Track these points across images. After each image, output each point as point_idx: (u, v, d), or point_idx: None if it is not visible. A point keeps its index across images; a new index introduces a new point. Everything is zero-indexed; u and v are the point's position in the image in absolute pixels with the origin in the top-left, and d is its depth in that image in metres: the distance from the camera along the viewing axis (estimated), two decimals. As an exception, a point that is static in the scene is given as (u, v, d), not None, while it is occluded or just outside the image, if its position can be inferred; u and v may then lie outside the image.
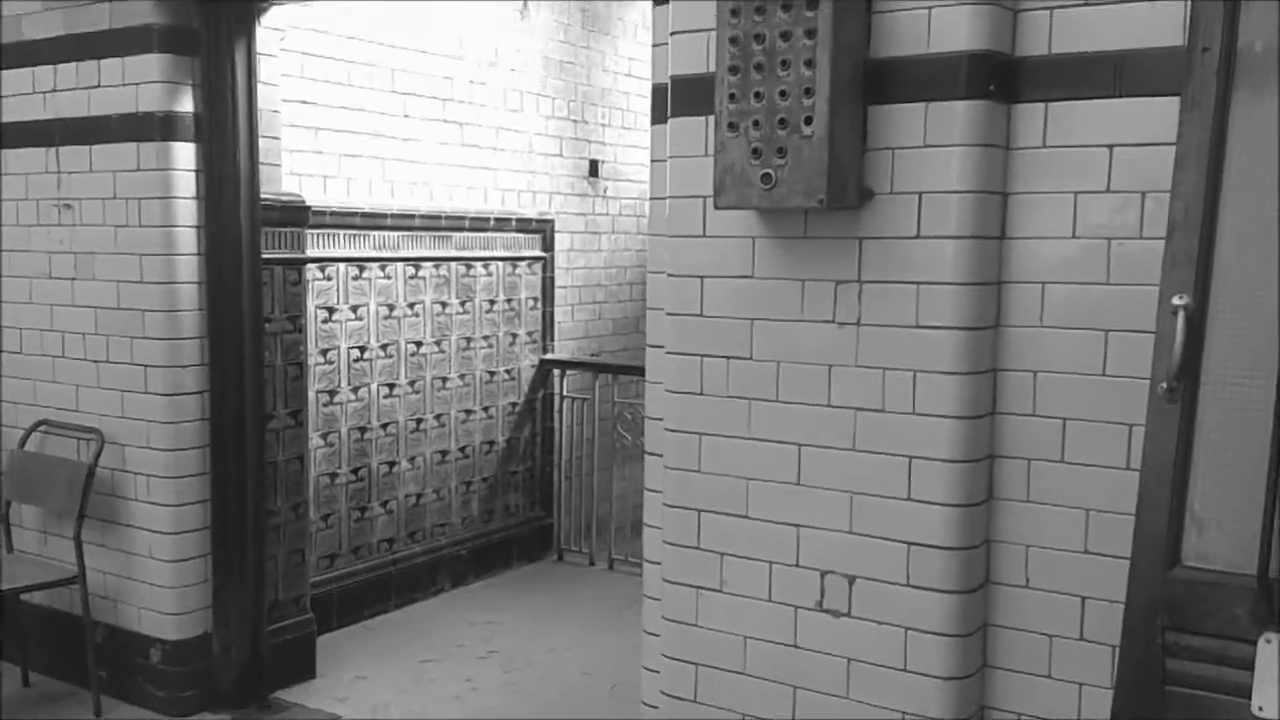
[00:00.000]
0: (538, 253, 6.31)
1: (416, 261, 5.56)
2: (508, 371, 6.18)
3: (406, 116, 5.56)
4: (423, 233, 5.58)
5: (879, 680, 2.77)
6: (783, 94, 2.58)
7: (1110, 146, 2.53)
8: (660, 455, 3.13)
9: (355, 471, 5.38)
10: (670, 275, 3.02)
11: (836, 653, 2.83)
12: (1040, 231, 2.64)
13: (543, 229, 6.34)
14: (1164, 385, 2.21)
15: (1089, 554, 2.63)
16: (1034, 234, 2.65)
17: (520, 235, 6.19)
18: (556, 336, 6.48)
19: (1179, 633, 2.19)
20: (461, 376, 5.90)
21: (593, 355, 6.79)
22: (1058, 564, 2.68)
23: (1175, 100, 2.28)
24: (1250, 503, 2.13)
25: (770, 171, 2.61)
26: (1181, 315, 2.18)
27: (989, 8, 2.54)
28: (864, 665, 2.79)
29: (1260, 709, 2.09)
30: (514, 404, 6.24)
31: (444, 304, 5.74)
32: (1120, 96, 2.51)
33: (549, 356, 6.40)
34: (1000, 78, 2.59)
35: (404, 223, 5.48)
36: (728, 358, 2.94)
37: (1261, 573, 2.10)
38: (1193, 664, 2.17)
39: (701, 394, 2.98)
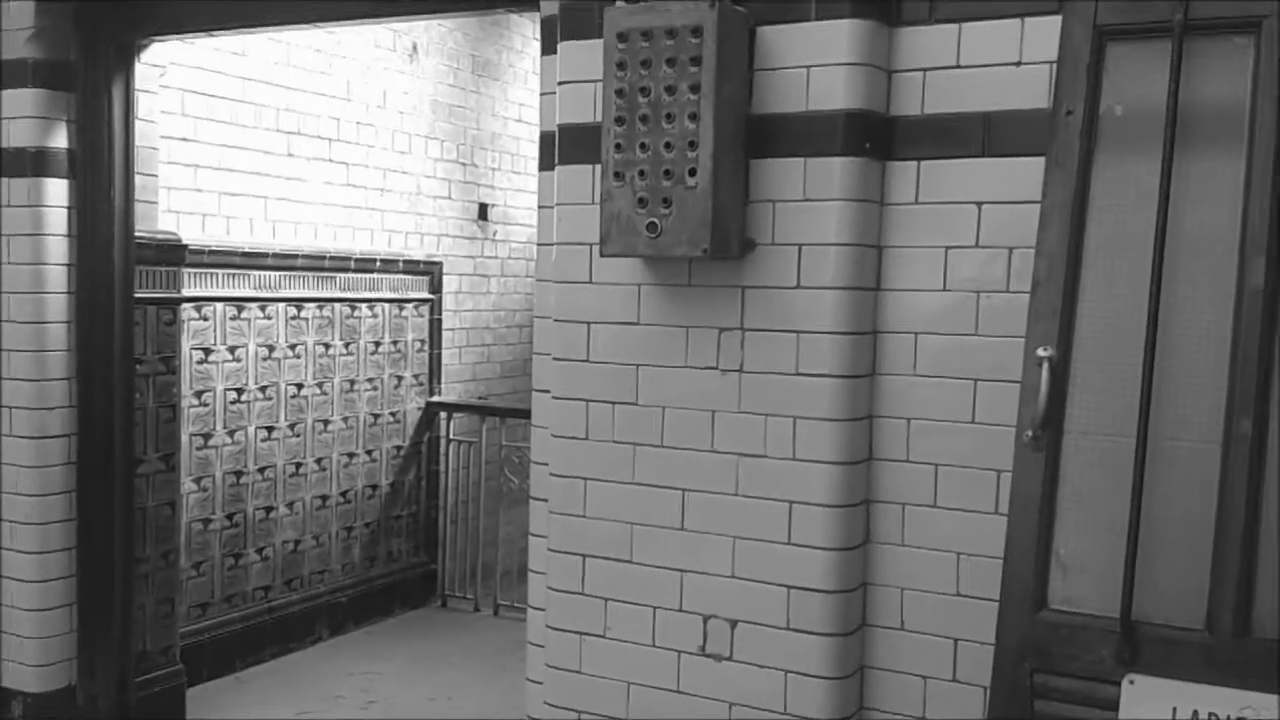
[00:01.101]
0: (425, 295, 6.26)
1: (298, 302, 5.47)
2: (392, 414, 6.10)
3: (290, 155, 5.49)
4: (305, 273, 5.49)
5: (760, 724, 2.79)
6: (668, 145, 2.63)
7: (979, 204, 2.64)
8: (545, 500, 3.12)
9: (230, 517, 5.23)
10: (557, 320, 3.04)
11: (718, 697, 2.85)
12: (913, 284, 2.73)
13: (430, 271, 6.29)
14: (1029, 433, 2.31)
15: (961, 596, 2.71)
16: (908, 286, 2.74)
17: (407, 277, 6.14)
18: (443, 379, 6.42)
19: (1046, 674, 2.27)
20: (344, 419, 5.80)
21: (480, 398, 6.75)
22: (931, 606, 2.75)
23: (1041, 160, 2.39)
24: (1113, 548, 2.23)
25: (656, 220, 2.66)
26: (1045, 366, 2.28)
27: (865, 68, 2.63)
28: (745, 709, 2.81)
29: (1122, 747, 2.17)
30: (399, 447, 6.16)
31: (327, 345, 5.65)
32: (989, 156, 2.63)
33: (435, 399, 6.34)
34: (875, 136, 2.68)
35: (286, 262, 5.38)
36: (613, 403, 2.95)
37: (1124, 616, 2.19)
38: (1060, 705, 2.25)
39: (587, 439, 2.99)
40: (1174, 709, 2.14)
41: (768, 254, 2.75)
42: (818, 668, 2.73)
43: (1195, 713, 2.12)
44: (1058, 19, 2.36)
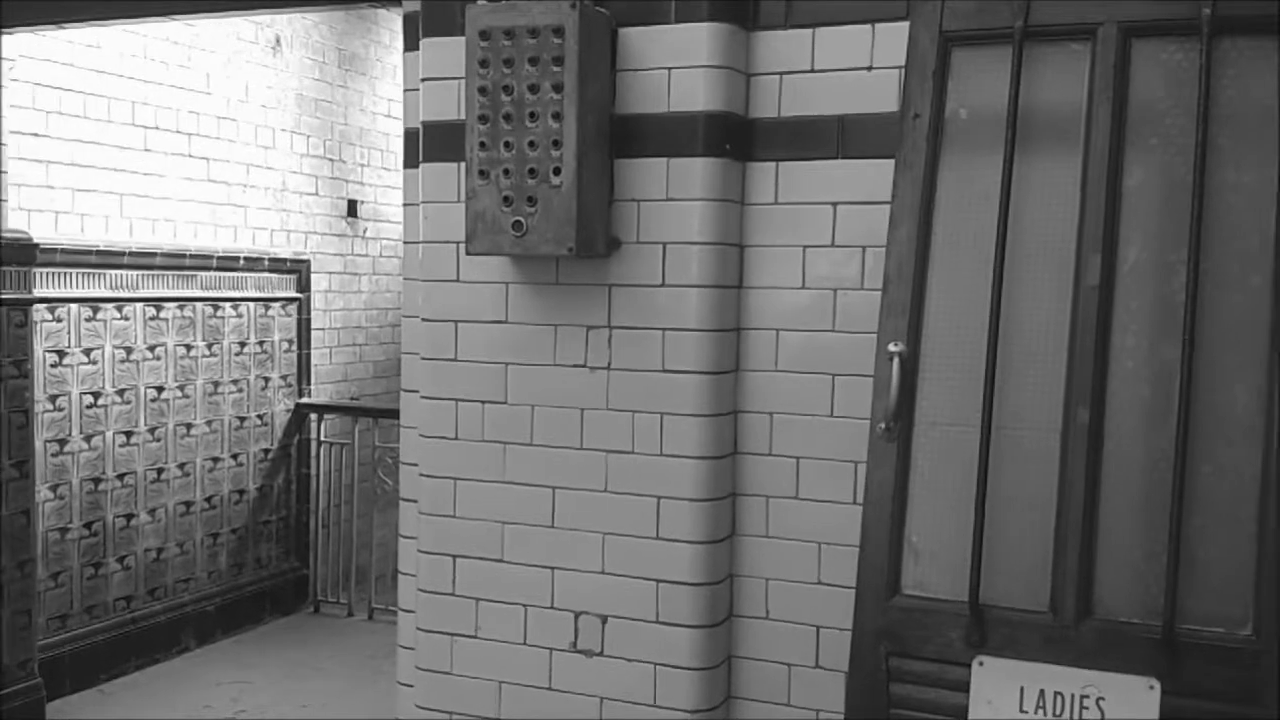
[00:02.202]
0: (292, 293, 6.13)
1: (157, 302, 5.30)
2: (260, 417, 5.96)
3: (148, 150, 5.31)
4: (165, 272, 5.32)
5: (630, 717, 2.82)
6: (532, 144, 2.64)
7: (834, 204, 2.72)
8: (415, 501, 3.10)
9: (89, 526, 5.04)
10: (425, 320, 3.02)
11: (590, 692, 2.87)
12: (774, 282, 2.79)
13: (298, 269, 6.17)
14: (882, 425, 2.38)
15: (822, 585, 2.78)
16: (768, 284, 2.80)
17: (273, 275, 6.00)
18: (313, 380, 6.30)
19: (901, 658, 2.34)
20: (208, 423, 5.64)
21: (352, 399, 6.64)
22: (795, 595, 2.82)
23: (892, 162, 2.47)
24: (962, 534, 2.31)
25: (521, 219, 2.66)
26: (896, 361, 2.36)
27: (724, 71, 2.68)
28: (616, 703, 2.84)
29: (973, 726, 2.26)
30: (266, 450, 6.02)
31: (189, 346, 5.49)
32: (843, 158, 2.70)
33: (305, 400, 6.22)
34: (735, 137, 2.74)
35: (143, 261, 5.21)
36: (482, 402, 2.95)
37: (972, 599, 2.27)
38: (914, 688, 2.33)
39: (456, 438, 2.98)
40: (1021, 689, 2.23)
41: (633, 252, 2.78)
42: (686, 659, 2.78)
43: (1041, 692, 2.22)
44: (906, 25, 2.44)
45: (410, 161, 3.14)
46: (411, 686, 3.11)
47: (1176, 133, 2.26)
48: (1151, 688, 2.14)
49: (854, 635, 2.39)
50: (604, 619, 2.85)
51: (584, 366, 2.85)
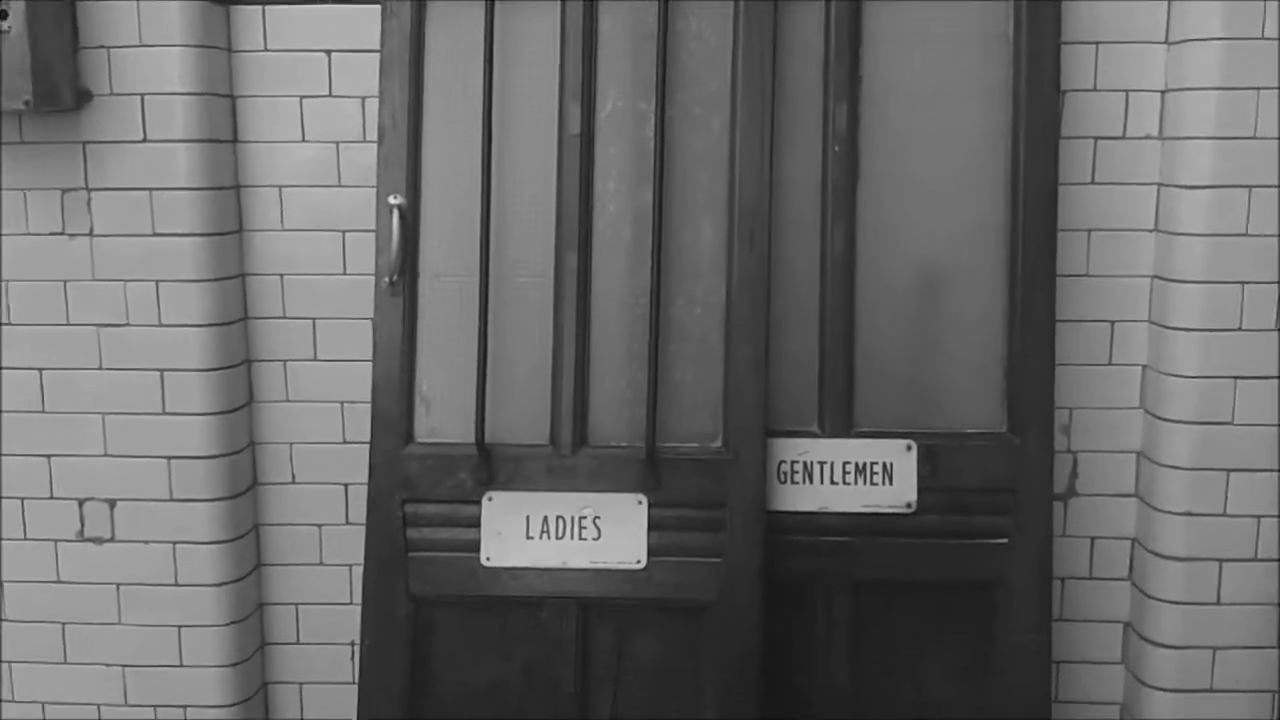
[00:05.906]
0: None
1: None
2: None
3: None
4: None
5: (151, 599, 2.70)
6: (-34, -18, 2.30)
7: (328, 52, 2.61)
8: None
9: None
10: None
11: (104, 580, 2.71)
12: (273, 136, 2.66)
13: None
14: (387, 280, 2.39)
15: (347, 443, 2.76)
16: (268, 138, 2.66)
17: None
18: None
19: (416, 503, 2.42)
20: None
21: None
22: (321, 457, 2.78)
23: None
24: (468, 380, 2.40)
25: (-38, 69, 2.33)
26: (396, 214, 2.36)
27: (178, -102, 2.46)
28: (134, 588, 2.70)
29: (488, 559, 2.40)
30: None
31: None
32: (333, 2, 2.58)
33: None
34: (212, -23, 2.55)
35: None
36: (-58, 280, 2.62)
37: (479, 440, 2.38)
38: (428, 529, 2.42)
39: (-90, 323, 2.63)
40: (527, 517, 2.38)
41: (108, 105, 2.53)
42: (206, 534, 2.68)
43: (545, 518, 2.39)
44: None
45: None
46: (-105, 602, 2.79)
47: (645, -17, 2.38)
48: (640, 502, 2.36)
49: (370, 487, 2.43)
50: (112, 503, 2.68)
51: (62, 234, 2.59)
